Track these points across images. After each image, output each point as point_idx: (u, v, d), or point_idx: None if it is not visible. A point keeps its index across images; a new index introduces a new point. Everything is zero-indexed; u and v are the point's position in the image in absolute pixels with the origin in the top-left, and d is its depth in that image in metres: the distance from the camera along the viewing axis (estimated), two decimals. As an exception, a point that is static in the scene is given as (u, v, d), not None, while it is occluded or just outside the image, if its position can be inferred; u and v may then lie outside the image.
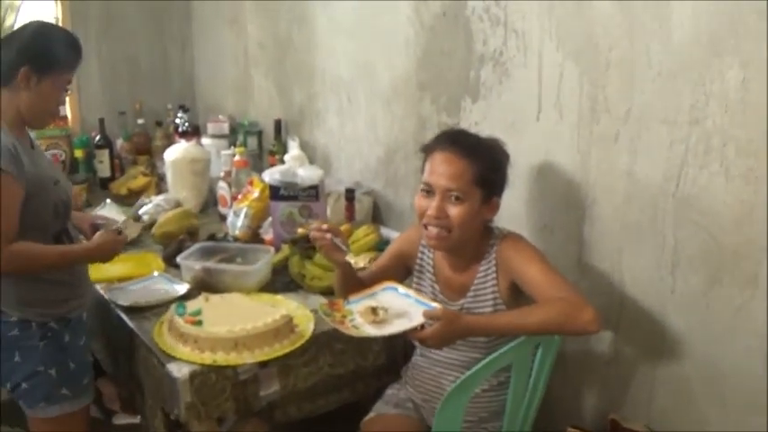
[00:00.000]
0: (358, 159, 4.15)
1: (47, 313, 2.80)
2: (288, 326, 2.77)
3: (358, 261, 3.26)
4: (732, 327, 2.51)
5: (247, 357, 2.66)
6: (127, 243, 3.68)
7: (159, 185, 4.65)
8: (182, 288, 3.18)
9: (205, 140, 4.90)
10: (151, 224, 3.86)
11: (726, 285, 2.50)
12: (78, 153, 5.02)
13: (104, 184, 4.89)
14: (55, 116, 3.27)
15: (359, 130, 4.09)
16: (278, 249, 3.44)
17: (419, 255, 2.89)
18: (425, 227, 2.64)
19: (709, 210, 2.49)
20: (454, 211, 2.57)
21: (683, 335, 2.67)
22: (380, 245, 3.45)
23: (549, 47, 2.90)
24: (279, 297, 3.13)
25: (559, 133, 2.93)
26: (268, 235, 3.69)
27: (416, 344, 2.77)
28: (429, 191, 2.61)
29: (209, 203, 4.45)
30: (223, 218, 4.09)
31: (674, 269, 2.64)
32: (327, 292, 3.04)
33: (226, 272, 3.22)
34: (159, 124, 5.18)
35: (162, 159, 4.53)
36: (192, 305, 2.88)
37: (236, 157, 4.16)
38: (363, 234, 3.52)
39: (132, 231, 3.55)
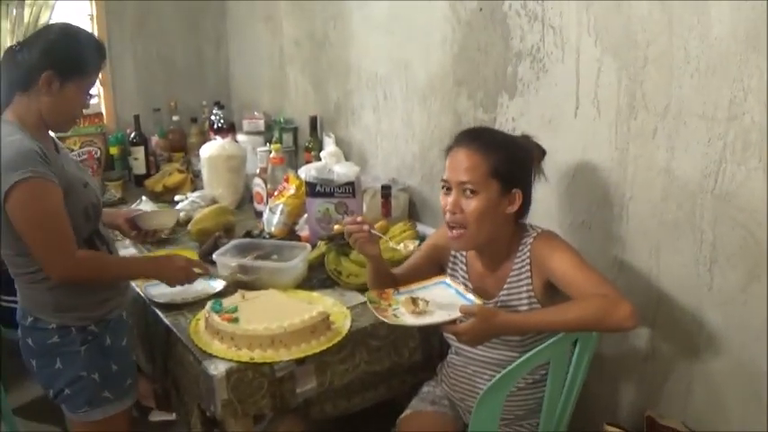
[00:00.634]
0: (394, 156, 4.15)
1: (86, 317, 2.77)
2: (324, 323, 2.77)
3: (407, 245, 3.26)
4: (771, 324, 2.49)
5: (284, 354, 2.66)
6: (163, 239, 3.73)
7: (194, 182, 4.68)
8: (218, 285, 3.19)
9: (240, 137, 4.92)
10: (187, 221, 3.87)
11: (764, 282, 2.48)
12: (113, 150, 5.04)
13: (139, 181, 4.93)
14: (78, 120, 3.27)
15: (395, 127, 4.09)
16: (314, 246, 3.44)
17: (452, 252, 2.89)
18: (448, 226, 2.64)
19: (748, 206, 2.47)
20: (469, 205, 2.57)
21: (721, 332, 2.66)
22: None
23: (587, 42, 2.88)
24: (315, 294, 3.14)
25: (597, 129, 2.92)
26: (304, 232, 3.70)
27: (450, 340, 2.78)
28: (448, 188, 2.63)
29: (245, 200, 4.47)
30: (259, 215, 4.10)
31: (712, 266, 2.62)
32: (364, 289, 3.02)
33: (262, 269, 3.21)
34: (194, 121, 5.20)
35: (197, 156, 4.55)
36: (228, 302, 2.89)
37: (272, 154, 4.16)
38: (400, 231, 3.50)
39: (170, 218, 3.53)
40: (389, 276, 2.85)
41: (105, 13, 5.09)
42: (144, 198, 4.32)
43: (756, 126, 2.39)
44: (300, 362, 2.71)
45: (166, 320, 2.98)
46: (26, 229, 2.57)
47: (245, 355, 2.65)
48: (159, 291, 3.13)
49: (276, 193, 3.88)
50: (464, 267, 2.85)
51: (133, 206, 4.14)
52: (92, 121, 4.86)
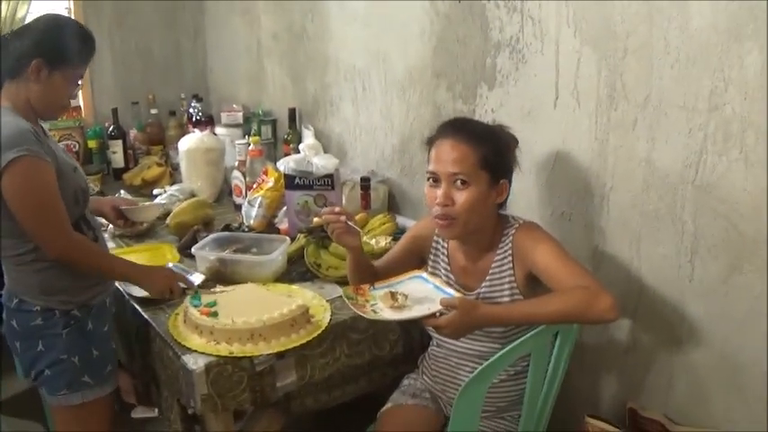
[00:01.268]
0: (373, 148, 4.14)
1: (70, 301, 2.81)
2: (304, 316, 2.76)
3: (379, 240, 3.24)
4: (751, 315, 2.49)
5: (264, 348, 2.64)
6: (143, 233, 3.73)
7: (173, 176, 4.68)
8: (197, 279, 3.16)
9: (219, 130, 4.89)
10: (166, 214, 3.85)
11: (745, 273, 2.49)
12: (92, 144, 5.03)
13: (118, 174, 4.92)
14: (66, 109, 3.30)
15: (374, 119, 4.08)
16: (293, 239, 3.43)
17: (433, 244, 2.88)
18: (435, 218, 2.63)
19: (729, 197, 2.47)
20: (461, 195, 2.56)
21: (702, 323, 2.66)
22: (396, 233, 3.43)
23: (567, 33, 2.88)
24: (294, 287, 3.12)
25: (577, 120, 2.91)
26: (283, 224, 3.69)
27: (432, 333, 2.78)
28: (436, 179, 2.61)
29: (224, 193, 4.46)
30: (238, 208, 4.09)
31: (693, 257, 2.62)
32: (343, 282, 3.02)
33: (241, 262, 3.20)
34: (173, 114, 5.18)
35: (176, 149, 4.54)
36: (207, 296, 2.87)
37: (251, 147, 4.13)
38: (379, 223, 3.51)
39: (153, 213, 3.54)
40: (370, 269, 2.84)
41: (83, 6, 5.08)
42: (122, 192, 4.30)
43: (737, 117, 2.39)
44: (280, 356, 2.69)
45: (145, 315, 2.96)
46: (22, 207, 2.61)
47: (224, 349, 2.62)
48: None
49: (255, 186, 3.86)
50: (445, 259, 2.84)
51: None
52: (70, 115, 4.89)
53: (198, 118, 5.05)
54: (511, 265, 2.65)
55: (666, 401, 2.82)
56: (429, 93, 3.64)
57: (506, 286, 2.65)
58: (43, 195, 2.61)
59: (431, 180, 2.63)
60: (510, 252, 2.66)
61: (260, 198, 3.74)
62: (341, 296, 2.86)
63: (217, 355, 2.61)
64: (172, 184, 4.51)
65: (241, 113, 5.01)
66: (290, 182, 3.52)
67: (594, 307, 2.35)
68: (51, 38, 2.73)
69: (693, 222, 2.59)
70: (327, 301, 2.98)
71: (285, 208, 3.66)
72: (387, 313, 2.57)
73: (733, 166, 2.44)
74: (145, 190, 4.49)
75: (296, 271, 3.28)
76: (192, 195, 4.16)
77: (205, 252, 3.25)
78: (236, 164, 4.26)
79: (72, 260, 2.72)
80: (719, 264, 2.55)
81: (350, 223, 2.70)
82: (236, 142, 4.41)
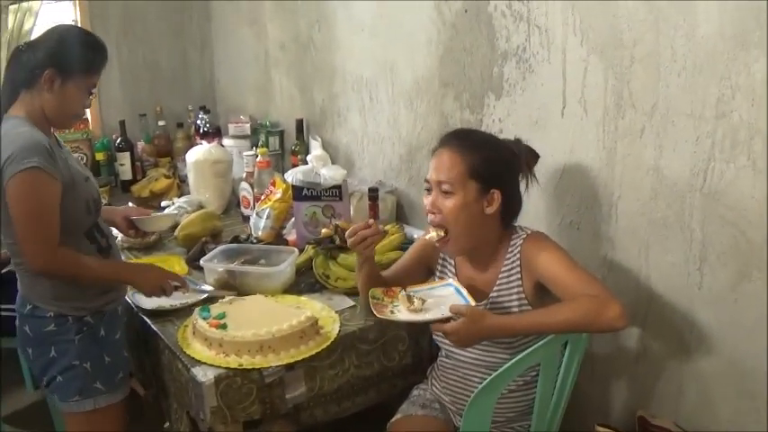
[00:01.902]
0: (381, 158, 4.14)
1: (83, 307, 2.84)
2: (313, 327, 2.76)
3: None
4: (761, 322, 2.48)
5: (273, 360, 2.65)
6: (151, 245, 3.74)
7: (181, 187, 4.68)
8: (206, 291, 3.16)
9: (226, 141, 4.90)
10: (174, 226, 3.85)
11: (754, 280, 2.48)
12: (99, 156, 5.05)
13: (126, 186, 4.92)
14: (80, 118, 3.36)
15: (381, 129, 4.08)
16: (302, 250, 3.43)
17: (441, 254, 2.88)
18: (429, 224, 2.68)
19: (737, 204, 2.46)
20: (446, 204, 2.59)
21: (712, 331, 2.65)
22: (404, 244, 3.42)
23: (573, 42, 2.88)
24: (303, 298, 3.12)
25: (584, 129, 2.91)
26: (291, 236, 3.69)
27: (440, 341, 2.78)
28: (429, 189, 2.66)
29: (232, 205, 4.46)
30: (246, 219, 4.08)
31: (702, 264, 2.61)
32: (352, 293, 3.03)
33: (249, 274, 3.20)
34: (180, 126, 5.20)
35: (183, 161, 4.55)
36: (216, 308, 2.87)
37: (258, 158, 4.14)
38: (388, 233, 3.50)
39: (165, 222, 3.54)
40: (380, 279, 2.85)
41: (90, 18, 5.09)
42: (130, 204, 4.28)
43: (744, 124, 2.39)
44: (290, 367, 2.69)
45: (154, 327, 2.96)
46: (16, 216, 2.64)
47: (233, 361, 2.63)
48: (147, 297, 3.09)
49: (263, 198, 3.86)
50: (453, 270, 2.84)
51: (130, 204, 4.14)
52: (78, 127, 4.89)
53: (205, 129, 5.05)
54: (519, 275, 2.65)
55: (676, 409, 2.81)
56: (436, 102, 3.63)
57: (515, 296, 2.64)
58: (39, 208, 2.63)
59: (426, 190, 2.68)
60: (518, 262, 2.65)
61: (268, 209, 3.74)
62: (350, 307, 2.89)
63: (226, 367, 2.62)
64: (180, 196, 4.51)
65: (248, 125, 5.01)
66: (298, 193, 3.52)
67: (603, 315, 2.34)
68: (64, 48, 2.76)
69: (702, 230, 2.59)
70: (336, 312, 2.97)
71: (293, 219, 3.66)
72: (400, 315, 2.60)
73: (741, 174, 2.43)
74: (153, 202, 4.48)
75: (304, 282, 3.28)
76: (200, 207, 4.15)
77: (213, 264, 3.25)
78: (244, 175, 4.26)
79: (56, 274, 2.74)
80: (728, 271, 2.54)
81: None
82: (244, 154, 4.42)
